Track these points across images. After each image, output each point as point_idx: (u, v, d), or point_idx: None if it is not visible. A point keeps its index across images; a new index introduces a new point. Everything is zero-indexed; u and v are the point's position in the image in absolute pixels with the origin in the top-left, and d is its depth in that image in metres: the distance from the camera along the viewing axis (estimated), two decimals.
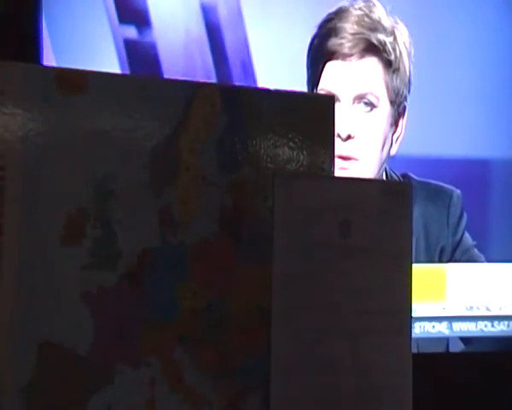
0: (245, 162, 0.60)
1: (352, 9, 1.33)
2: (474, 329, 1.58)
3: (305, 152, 0.62)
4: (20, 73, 0.56)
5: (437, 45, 1.42)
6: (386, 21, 1.33)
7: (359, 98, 1.33)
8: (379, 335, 0.58)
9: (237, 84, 1.32)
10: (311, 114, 0.62)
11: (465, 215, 1.44)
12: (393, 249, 0.59)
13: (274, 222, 0.58)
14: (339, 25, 1.32)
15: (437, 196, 1.42)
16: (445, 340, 1.56)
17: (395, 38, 1.34)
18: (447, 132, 1.43)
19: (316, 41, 1.33)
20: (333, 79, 1.33)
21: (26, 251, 0.55)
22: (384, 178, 1.37)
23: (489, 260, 1.49)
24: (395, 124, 1.37)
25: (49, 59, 1.30)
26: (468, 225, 1.45)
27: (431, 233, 1.42)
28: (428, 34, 1.41)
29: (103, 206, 0.57)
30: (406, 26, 1.36)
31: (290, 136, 0.61)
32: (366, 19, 1.32)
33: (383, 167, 1.38)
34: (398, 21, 1.36)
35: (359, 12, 1.32)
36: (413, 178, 1.39)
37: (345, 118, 1.32)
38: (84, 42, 1.31)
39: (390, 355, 0.59)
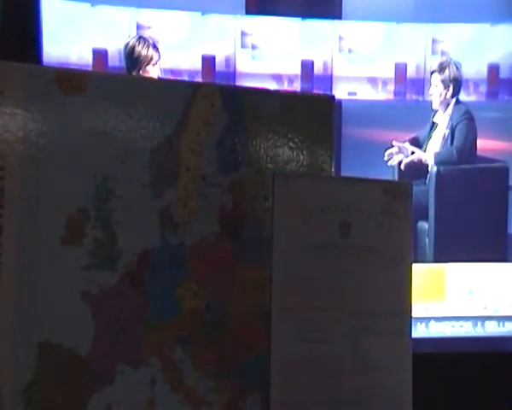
0: (245, 162, 0.60)
1: None
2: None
3: (305, 152, 0.62)
4: (20, 73, 0.56)
5: None
6: None
7: None
8: (379, 335, 0.58)
9: None
10: (311, 114, 0.62)
11: None
12: (393, 250, 0.59)
13: (274, 222, 0.58)
14: None
15: None
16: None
17: None
18: None
19: None
20: None
21: (26, 251, 0.55)
22: None
23: None
24: None
25: None
26: None
27: None
28: None
29: (103, 206, 0.57)
30: None
31: (290, 136, 0.61)
32: None
33: None
34: None
35: None
36: None
37: None
38: None
39: (390, 355, 0.59)
